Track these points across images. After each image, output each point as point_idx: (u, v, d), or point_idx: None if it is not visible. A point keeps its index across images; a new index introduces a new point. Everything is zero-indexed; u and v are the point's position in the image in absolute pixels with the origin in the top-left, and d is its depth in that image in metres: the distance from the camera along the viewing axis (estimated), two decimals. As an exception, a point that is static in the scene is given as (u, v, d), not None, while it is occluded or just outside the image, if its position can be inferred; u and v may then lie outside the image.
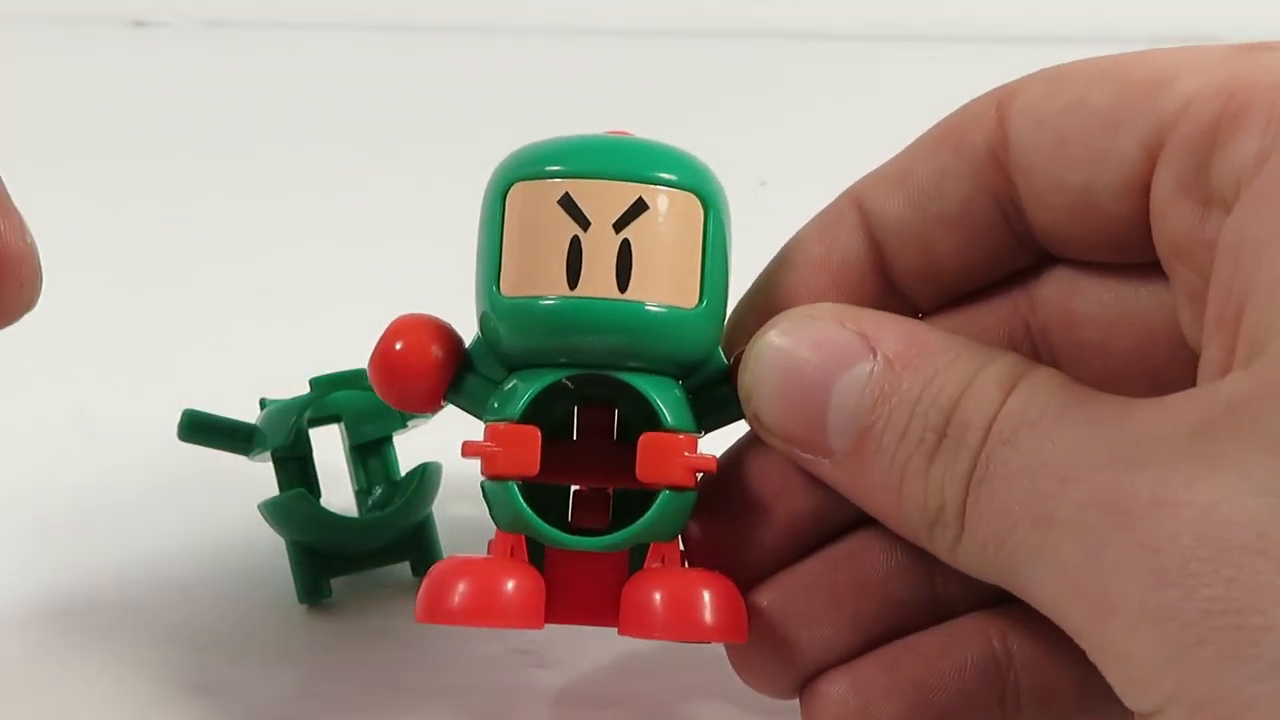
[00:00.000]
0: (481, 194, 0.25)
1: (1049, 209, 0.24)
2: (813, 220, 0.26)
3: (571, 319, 0.23)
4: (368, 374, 0.25)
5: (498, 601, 0.23)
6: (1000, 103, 0.24)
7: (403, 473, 0.32)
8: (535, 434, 0.24)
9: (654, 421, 0.24)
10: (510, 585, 0.23)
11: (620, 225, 0.23)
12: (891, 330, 0.23)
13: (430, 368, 0.25)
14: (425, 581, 0.24)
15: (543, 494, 0.25)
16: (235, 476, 0.33)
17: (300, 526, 0.31)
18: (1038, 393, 0.21)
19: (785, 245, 0.26)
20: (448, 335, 0.25)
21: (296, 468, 0.32)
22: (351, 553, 0.32)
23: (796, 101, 0.52)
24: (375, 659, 0.30)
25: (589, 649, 0.30)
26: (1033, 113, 0.24)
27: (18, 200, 0.24)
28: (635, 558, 0.25)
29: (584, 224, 0.23)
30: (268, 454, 0.31)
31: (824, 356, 0.23)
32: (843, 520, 0.25)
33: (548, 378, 0.24)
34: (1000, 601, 0.25)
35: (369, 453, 0.33)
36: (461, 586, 0.23)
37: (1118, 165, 0.23)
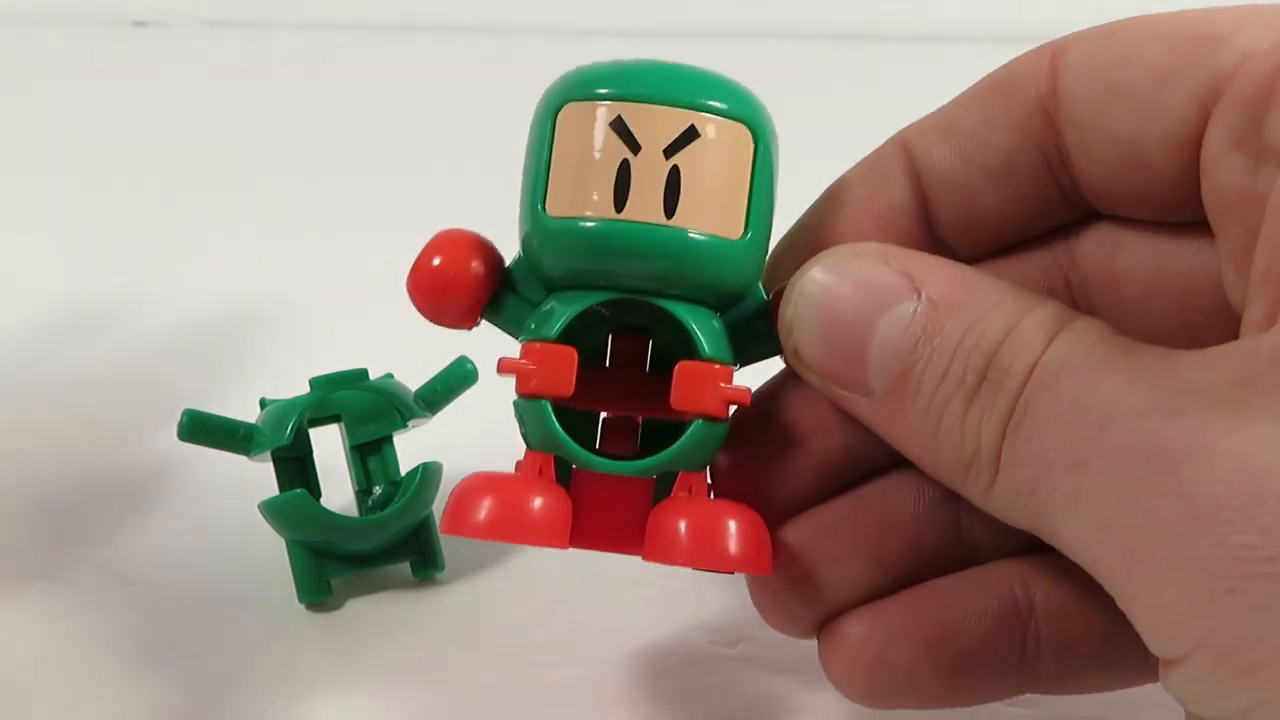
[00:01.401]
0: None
1: (1097, 162, 0.24)
2: (859, 163, 0.26)
3: (616, 242, 0.23)
4: (407, 288, 0.25)
5: (525, 516, 0.23)
6: (1053, 56, 0.24)
7: (403, 473, 0.32)
8: (572, 354, 0.24)
9: (690, 351, 0.24)
10: (538, 502, 0.23)
11: (670, 151, 0.23)
12: (937, 272, 0.23)
13: (470, 283, 0.25)
14: (452, 494, 0.24)
15: (572, 419, 0.25)
16: (235, 476, 0.33)
17: (300, 526, 0.31)
18: (1080, 341, 0.21)
19: (830, 187, 0.26)
20: (488, 251, 0.25)
21: (296, 468, 0.32)
22: (351, 553, 0.32)
23: (797, 101, 0.52)
24: (375, 659, 0.30)
25: (589, 649, 0.30)
26: (1085, 66, 0.24)
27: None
28: (662, 488, 0.25)
29: (634, 148, 0.23)
30: (268, 454, 0.31)
31: (868, 294, 0.22)
32: (873, 462, 0.25)
33: (586, 300, 0.24)
34: (1025, 550, 0.25)
35: (369, 453, 0.33)
36: (488, 500, 0.23)
37: (1169, 118, 0.22)
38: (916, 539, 0.25)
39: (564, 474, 0.25)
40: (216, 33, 0.57)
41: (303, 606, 0.31)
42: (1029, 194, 0.25)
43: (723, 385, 0.24)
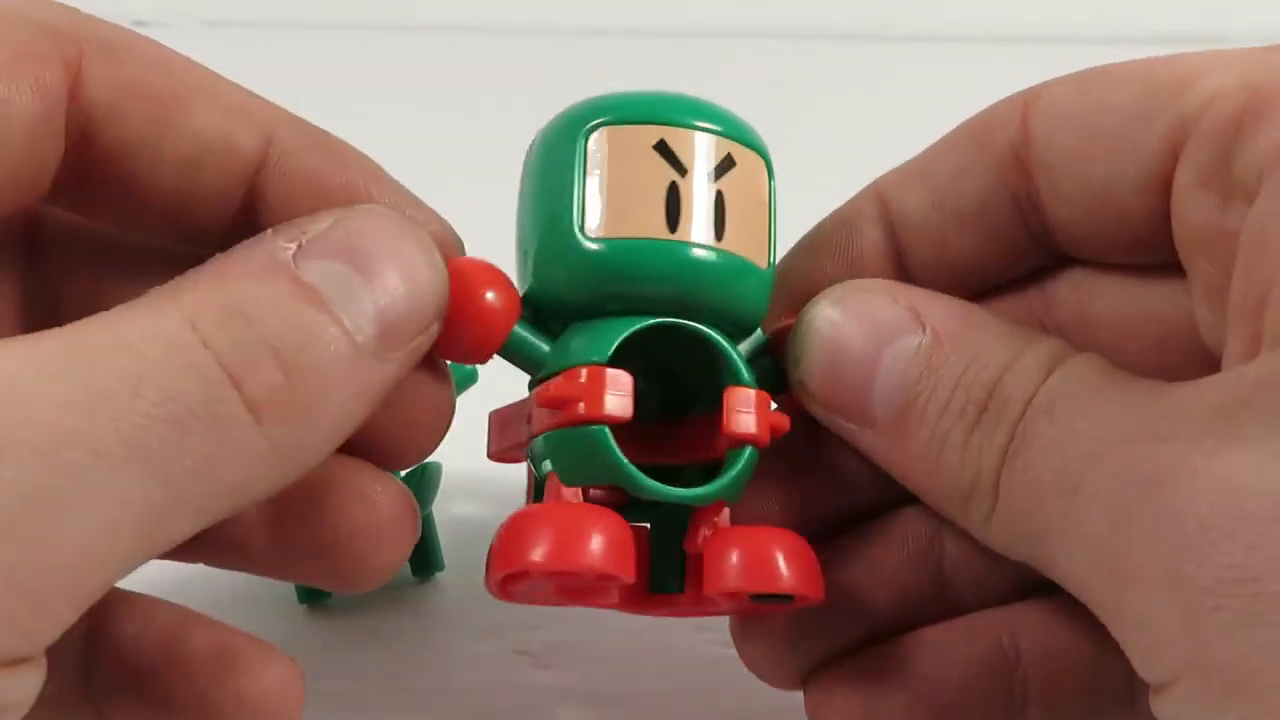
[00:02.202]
0: (514, 171, 0.24)
1: (1069, 206, 0.24)
2: (835, 211, 0.26)
3: (671, 261, 0.23)
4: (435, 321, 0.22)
5: (589, 546, 0.21)
6: (1025, 104, 0.24)
7: (403, 473, 0.32)
8: (629, 377, 0.23)
9: (705, 390, 0.24)
10: (601, 528, 0.22)
11: (715, 176, 0.23)
12: (941, 307, 0.23)
13: (510, 318, 0.23)
14: (501, 534, 0.22)
15: None
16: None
17: (300, 526, 0.31)
18: (1077, 372, 0.21)
19: (806, 234, 0.26)
20: (508, 283, 0.24)
21: (296, 468, 0.32)
22: (351, 553, 0.32)
23: (797, 101, 0.52)
24: (375, 659, 0.30)
25: (589, 649, 0.30)
26: (1057, 112, 0.24)
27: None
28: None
29: (681, 171, 0.23)
30: (268, 454, 0.31)
31: (874, 327, 0.23)
32: (858, 508, 0.25)
33: (634, 323, 0.23)
34: (1010, 598, 0.25)
35: (369, 453, 0.33)
36: (547, 532, 0.22)
37: (1140, 159, 0.23)
38: (901, 589, 0.25)
39: None
40: (216, 33, 0.57)
41: (303, 606, 0.31)
42: (1001, 239, 0.25)
43: (766, 409, 0.23)
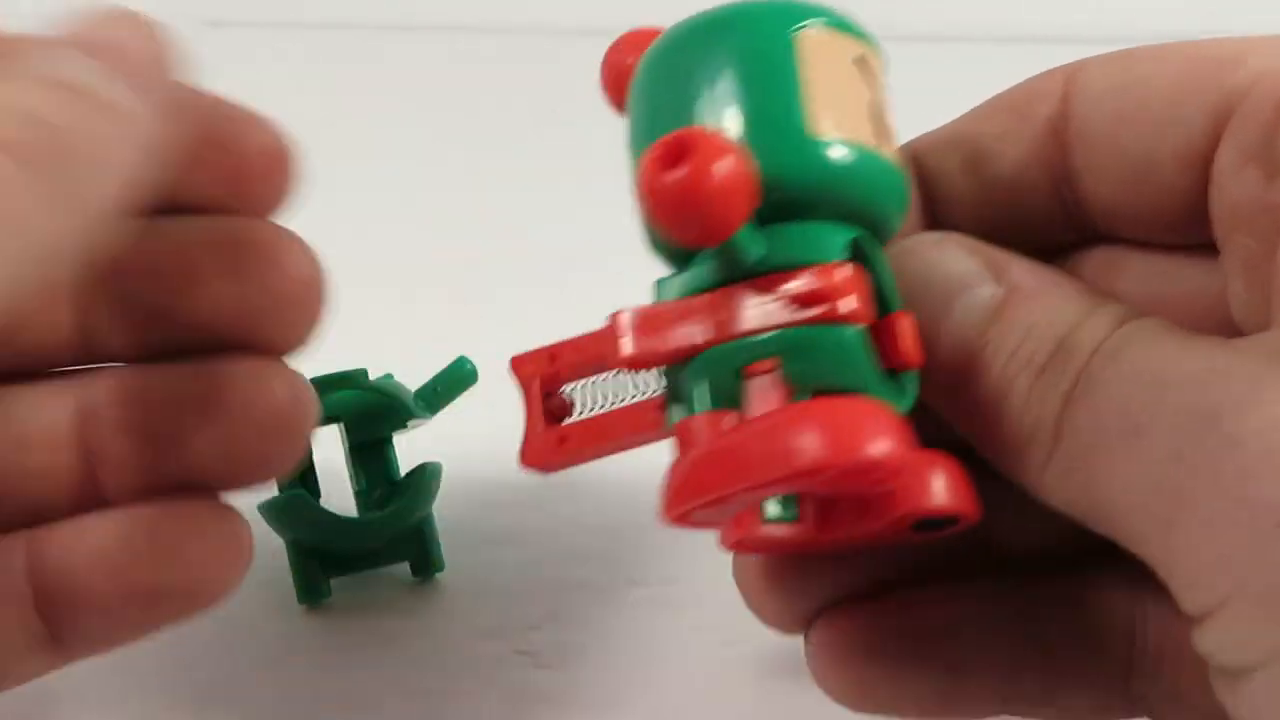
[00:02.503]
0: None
1: (1106, 180, 0.24)
2: None
3: (888, 175, 0.22)
4: (662, 198, 0.20)
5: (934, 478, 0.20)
6: (1066, 78, 0.25)
7: (403, 473, 0.32)
8: (868, 276, 0.22)
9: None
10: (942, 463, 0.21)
11: (882, 97, 0.23)
12: (1017, 264, 0.23)
13: (753, 201, 0.21)
14: (763, 430, 0.20)
15: None
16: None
17: (300, 526, 0.31)
18: (1143, 325, 0.22)
19: None
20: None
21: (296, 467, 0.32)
22: (351, 553, 0.32)
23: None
24: (375, 659, 0.30)
25: (589, 649, 0.30)
26: (1099, 86, 0.24)
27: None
28: None
29: (873, 89, 0.23)
30: (268, 454, 0.31)
31: (949, 275, 0.23)
32: None
33: (847, 228, 0.22)
34: (1022, 568, 0.25)
35: (369, 453, 0.33)
36: (814, 430, 0.19)
37: (1182, 134, 0.23)
38: (918, 544, 0.25)
39: None
40: (216, 33, 0.57)
41: (303, 606, 0.31)
42: (1032, 209, 0.25)
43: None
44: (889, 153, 0.23)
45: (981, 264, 0.23)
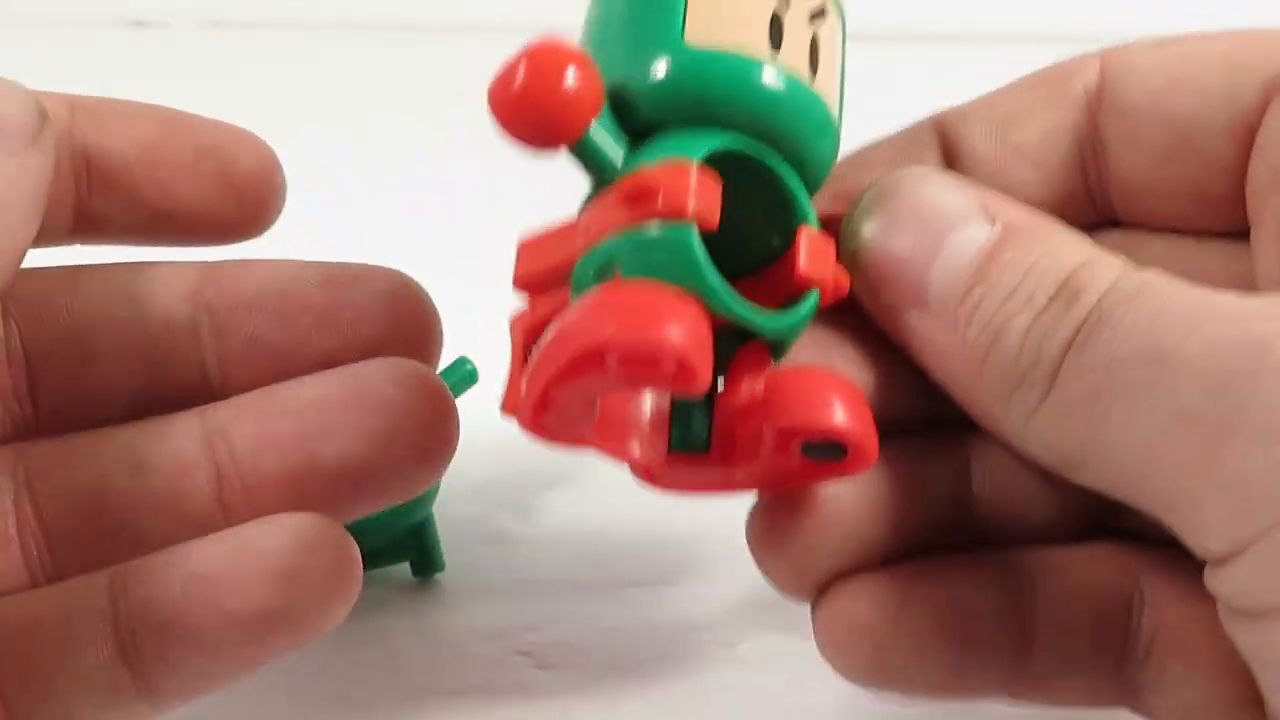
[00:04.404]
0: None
1: (1141, 150, 0.24)
2: (890, 135, 0.26)
3: (772, 83, 0.21)
4: (502, 97, 0.21)
5: (670, 324, 0.19)
6: (1104, 55, 0.24)
7: (403, 473, 0.32)
8: (719, 183, 0.21)
9: (757, 247, 0.22)
10: (684, 313, 0.19)
11: (812, 19, 0.22)
12: (1012, 205, 0.22)
13: (595, 103, 0.21)
14: (563, 323, 0.20)
15: None
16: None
17: (300, 526, 0.31)
18: (1154, 275, 0.21)
19: (856, 151, 0.26)
20: (595, 68, 0.21)
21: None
22: (351, 553, 0.31)
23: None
24: (375, 659, 0.30)
25: (589, 649, 0.30)
26: (1142, 59, 0.24)
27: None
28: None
29: (785, 3, 0.22)
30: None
31: (943, 209, 0.22)
32: (895, 424, 0.24)
33: (727, 138, 0.21)
34: (1030, 541, 0.24)
35: (369, 453, 0.32)
36: (624, 309, 0.19)
37: (1231, 103, 0.23)
38: (934, 513, 0.24)
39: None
40: (216, 33, 0.57)
41: (303, 606, 0.31)
42: (1057, 183, 0.25)
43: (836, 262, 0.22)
44: (791, 69, 0.21)
45: (973, 200, 0.22)
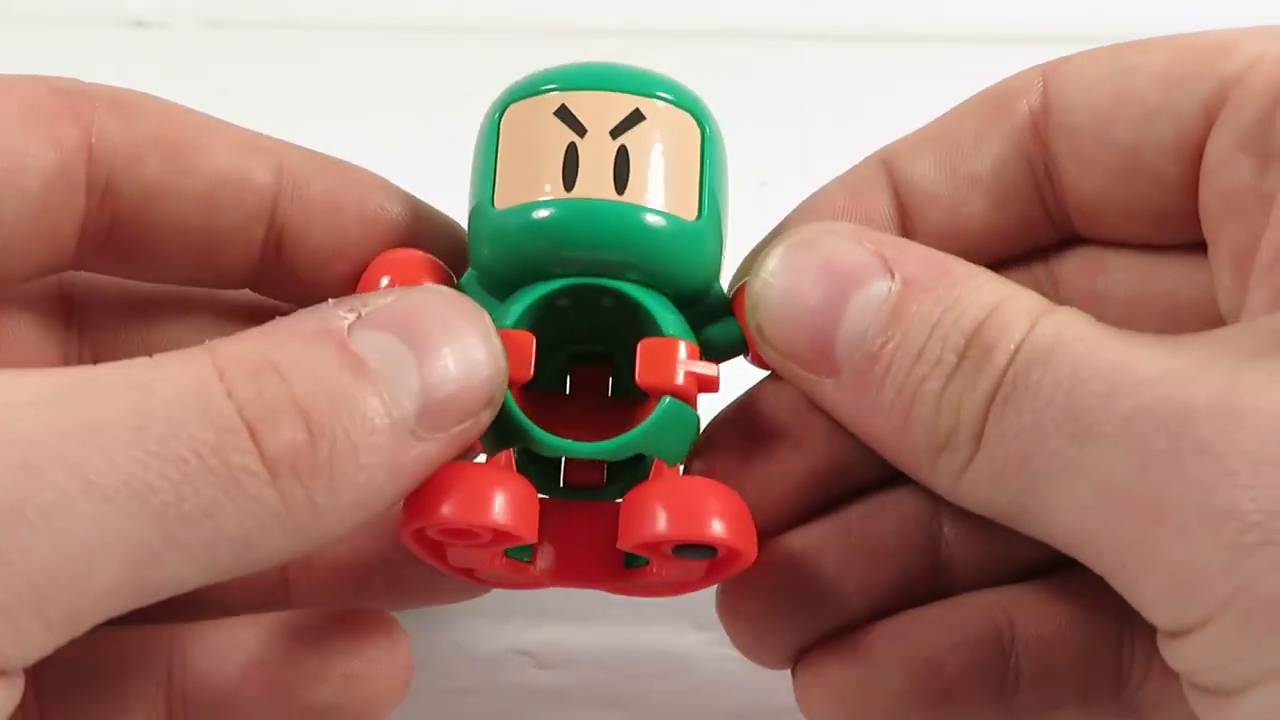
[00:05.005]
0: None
1: (1091, 172, 0.24)
2: (838, 177, 0.26)
3: (568, 220, 0.23)
4: None
5: (491, 503, 0.21)
6: (1045, 73, 0.24)
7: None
8: (529, 338, 0.23)
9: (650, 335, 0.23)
10: (504, 489, 0.22)
11: (617, 132, 0.23)
12: (913, 254, 0.22)
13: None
14: (410, 495, 0.22)
15: (537, 466, 0.25)
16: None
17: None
18: (1070, 323, 0.20)
19: (808, 198, 0.26)
20: (437, 268, 0.24)
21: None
22: (351, 553, 0.31)
23: (797, 101, 0.52)
24: (375, 659, 0.30)
25: (589, 649, 0.30)
26: (1084, 76, 0.24)
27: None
28: None
29: (580, 131, 0.23)
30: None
31: (839, 271, 0.22)
32: (854, 480, 0.25)
33: (542, 288, 0.23)
34: (1004, 580, 0.24)
35: (369, 453, 0.32)
36: (455, 489, 0.21)
37: (1174, 123, 0.23)
38: (901, 566, 0.24)
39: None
40: (217, 33, 0.57)
41: (303, 606, 0.31)
42: (1013, 208, 0.25)
43: (687, 358, 0.23)
44: (586, 190, 0.23)
45: (873, 254, 0.22)
